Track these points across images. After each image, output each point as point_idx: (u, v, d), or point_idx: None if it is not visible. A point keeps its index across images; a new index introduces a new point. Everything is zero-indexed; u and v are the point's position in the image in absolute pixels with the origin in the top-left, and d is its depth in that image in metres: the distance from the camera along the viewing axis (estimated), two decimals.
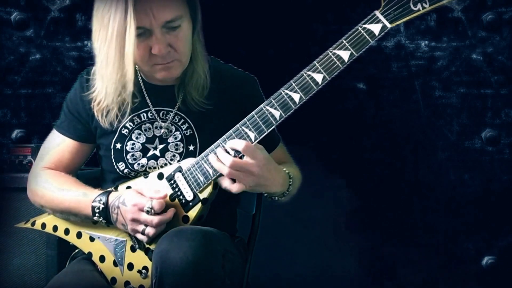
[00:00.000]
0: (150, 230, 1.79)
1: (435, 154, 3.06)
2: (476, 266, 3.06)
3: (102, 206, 1.86)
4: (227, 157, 1.74)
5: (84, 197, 1.90)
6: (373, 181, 3.12)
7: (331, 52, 1.72)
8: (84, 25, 3.05)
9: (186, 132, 1.95)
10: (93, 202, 1.87)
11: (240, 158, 1.76)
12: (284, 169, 1.91)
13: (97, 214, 1.87)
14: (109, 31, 1.75)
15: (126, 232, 1.91)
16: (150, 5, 1.74)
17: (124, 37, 1.73)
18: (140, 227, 1.80)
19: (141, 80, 1.95)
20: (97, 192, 1.91)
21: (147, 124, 1.96)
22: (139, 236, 1.82)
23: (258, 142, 1.79)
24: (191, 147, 1.94)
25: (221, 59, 2.08)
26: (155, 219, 1.77)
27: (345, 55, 1.71)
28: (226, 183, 1.78)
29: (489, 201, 3.04)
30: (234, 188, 1.77)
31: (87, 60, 3.04)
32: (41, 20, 3.03)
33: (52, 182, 1.98)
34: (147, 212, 1.77)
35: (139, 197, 1.81)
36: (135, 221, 1.80)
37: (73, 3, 3.04)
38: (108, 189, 1.92)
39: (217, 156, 1.77)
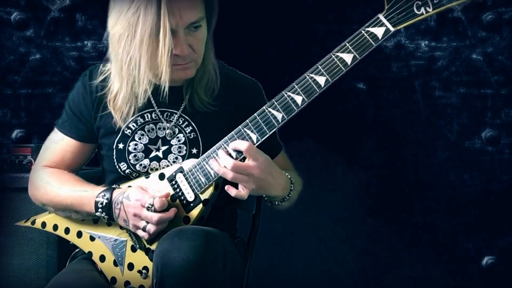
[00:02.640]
0: (150, 227, 1.79)
1: (435, 154, 3.07)
2: (476, 266, 3.06)
3: (105, 201, 1.86)
4: (229, 160, 1.75)
5: (87, 193, 1.90)
6: (373, 181, 3.12)
7: (334, 55, 1.72)
8: (84, 25, 3.05)
9: (190, 135, 1.95)
10: (96, 197, 1.87)
11: (241, 160, 1.76)
12: (286, 174, 1.92)
13: (99, 210, 1.86)
14: (139, 33, 1.75)
15: (126, 232, 1.91)
16: (178, 6, 1.75)
17: (156, 39, 1.74)
18: (141, 223, 1.80)
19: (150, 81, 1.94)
20: (100, 188, 1.91)
21: (151, 125, 1.96)
22: (140, 232, 1.82)
23: (259, 148, 1.79)
24: (194, 150, 1.94)
25: (222, 60, 2.08)
26: (155, 216, 1.77)
27: (348, 58, 1.71)
28: (234, 191, 1.78)
29: (489, 201, 3.04)
30: (242, 194, 1.78)
31: (87, 60, 3.04)
32: (41, 20, 3.03)
33: (54, 180, 1.97)
34: (148, 208, 1.77)
35: (143, 193, 1.82)
36: (137, 216, 1.80)
37: (73, 3, 3.04)
38: (112, 186, 1.93)
39: (219, 161, 1.78)
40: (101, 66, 1.99)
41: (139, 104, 1.90)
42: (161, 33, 1.73)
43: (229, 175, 1.75)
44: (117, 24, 1.79)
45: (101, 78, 1.97)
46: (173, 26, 1.75)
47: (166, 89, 1.84)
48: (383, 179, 3.11)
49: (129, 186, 1.93)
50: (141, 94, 1.86)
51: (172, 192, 1.87)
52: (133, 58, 1.79)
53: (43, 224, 2.05)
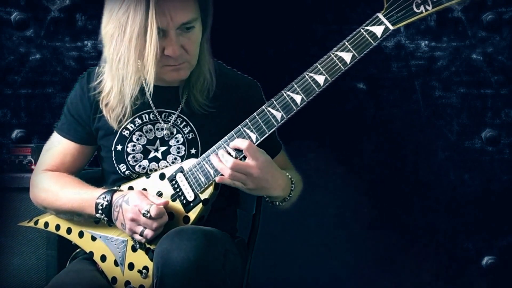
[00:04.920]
0: (148, 232, 1.79)
1: (435, 154, 3.07)
2: (476, 266, 3.06)
3: (106, 203, 1.86)
4: (229, 158, 1.75)
5: (88, 196, 1.90)
6: (373, 181, 3.12)
7: (333, 53, 1.73)
8: (84, 25, 3.05)
9: (188, 136, 1.95)
10: (97, 199, 1.87)
11: (241, 159, 1.76)
12: (287, 174, 1.92)
13: (99, 211, 1.86)
14: (128, 32, 1.76)
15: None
16: (168, 6, 1.75)
17: (144, 38, 1.75)
18: (139, 228, 1.80)
19: (144, 82, 1.94)
20: (101, 190, 1.91)
21: (149, 126, 1.96)
22: (137, 236, 1.82)
23: (259, 147, 1.79)
24: (193, 151, 1.94)
25: (221, 60, 2.08)
26: (154, 223, 1.78)
27: (347, 56, 1.71)
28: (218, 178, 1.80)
29: (489, 201, 3.04)
30: (227, 180, 1.79)
31: (87, 60, 3.04)
32: (41, 20, 3.03)
33: (55, 183, 1.98)
34: (144, 215, 1.77)
35: (142, 199, 1.81)
36: (134, 221, 1.80)
37: (73, 3, 3.04)
38: (114, 188, 1.93)
39: (219, 157, 1.78)
40: (99, 68, 1.98)
41: (126, 103, 1.90)
42: (148, 32, 1.74)
43: (227, 172, 1.75)
44: (109, 24, 1.81)
45: (98, 79, 1.97)
46: (163, 26, 1.76)
47: (151, 89, 1.85)
48: (383, 179, 3.11)
49: (130, 187, 1.94)
50: (129, 94, 1.86)
51: (172, 192, 1.87)
52: (122, 57, 1.79)
53: (46, 224, 2.05)
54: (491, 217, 3.04)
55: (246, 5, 2.93)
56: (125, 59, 1.79)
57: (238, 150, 1.78)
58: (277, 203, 1.93)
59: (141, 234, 1.80)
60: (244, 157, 1.77)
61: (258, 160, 1.76)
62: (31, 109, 3.08)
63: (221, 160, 1.78)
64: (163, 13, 1.75)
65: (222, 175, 1.78)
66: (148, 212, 1.76)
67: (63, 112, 2.05)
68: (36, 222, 2.07)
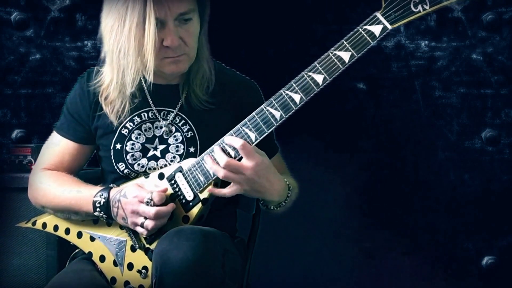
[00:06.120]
0: (149, 223, 1.79)
1: (435, 154, 3.07)
2: (476, 266, 3.06)
3: (103, 200, 1.86)
4: (223, 158, 1.75)
5: (85, 194, 1.90)
6: (373, 181, 3.12)
7: (331, 53, 1.73)
8: (84, 25, 3.05)
9: (187, 134, 1.95)
10: (94, 197, 1.88)
11: (239, 160, 1.76)
12: (285, 179, 1.91)
13: (98, 209, 1.87)
14: (127, 22, 1.78)
15: (126, 232, 1.91)
16: None
17: (143, 28, 1.77)
18: (140, 220, 1.80)
19: (142, 79, 1.94)
20: (97, 188, 1.91)
21: (147, 124, 1.97)
22: (139, 229, 1.82)
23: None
24: (192, 149, 1.94)
25: (221, 60, 2.08)
26: (152, 210, 1.77)
27: (345, 56, 1.71)
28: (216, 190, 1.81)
29: (489, 201, 3.04)
30: (227, 191, 1.79)
31: (87, 60, 3.04)
32: (41, 20, 3.03)
33: (53, 182, 1.98)
34: (147, 203, 1.78)
35: (140, 190, 1.82)
36: (135, 213, 1.80)
37: (73, 3, 3.04)
38: (110, 185, 1.93)
39: (213, 158, 1.78)
40: (98, 67, 1.99)
41: (127, 93, 1.90)
42: (146, 21, 1.76)
43: (221, 173, 1.76)
44: (108, 16, 1.83)
45: (98, 79, 1.97)
46: (161, 16, 1.78)
47: (151, 78, 1.84)
48: (383, 179, 3.11)
49: None
50: (130, 84, 1.87)
51: (171, 191, 1.87)
52: (122, 47, 1.81)
53: (44, 225, 2.05)
54: (491, 217, 3.04)
55: (246, 4, 2.93)
56: (125, 49, 1.80)
57: (236, 150, 1.78)
58: (271, 207, 1.92)
59: (142, 226, 1.80)
60: (241, 158, 1.77)
61: (253, 161, 1.75)
62: (31, 109, 3.09)
63: (215, 161, 1.78)
64: (161, 3, 1.77)
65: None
66: (151, 199, 1.77)
67: (62, 112, 2.06)
68: (34, 223, 2.07)
